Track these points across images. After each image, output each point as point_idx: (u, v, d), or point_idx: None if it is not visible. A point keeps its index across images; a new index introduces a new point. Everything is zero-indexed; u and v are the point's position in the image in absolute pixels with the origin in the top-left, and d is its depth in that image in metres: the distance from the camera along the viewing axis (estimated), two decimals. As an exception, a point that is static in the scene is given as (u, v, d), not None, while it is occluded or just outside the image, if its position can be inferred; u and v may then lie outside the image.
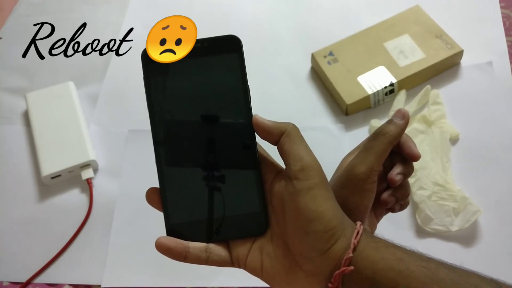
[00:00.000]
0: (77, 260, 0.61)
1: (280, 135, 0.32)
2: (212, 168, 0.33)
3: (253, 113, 0.33)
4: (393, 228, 0.58)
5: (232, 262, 0.32)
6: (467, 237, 0.57)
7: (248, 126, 0.33)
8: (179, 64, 0.33)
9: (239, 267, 0.32)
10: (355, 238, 0.30)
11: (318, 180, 0.31)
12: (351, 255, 0.29)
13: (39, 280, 0.59)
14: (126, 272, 0.59)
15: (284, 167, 0.33)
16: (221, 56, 0.33)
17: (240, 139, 0.33)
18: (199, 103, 0.33)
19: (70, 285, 0.59)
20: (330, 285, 0.30)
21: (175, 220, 0.33)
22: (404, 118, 0.36)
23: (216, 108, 0.33)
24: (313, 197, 0.30)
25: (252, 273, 0.32)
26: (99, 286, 0.58)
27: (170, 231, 0.32)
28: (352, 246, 0.30)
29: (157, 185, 0.33)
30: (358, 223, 0.32)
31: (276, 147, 0.34)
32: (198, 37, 0.33)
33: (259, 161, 0.33)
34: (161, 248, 0.31)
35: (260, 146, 0.34)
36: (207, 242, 0.32)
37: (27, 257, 0.61)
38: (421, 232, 0.59)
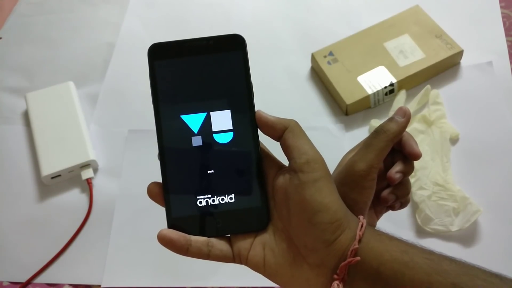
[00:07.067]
0: (77, 260, 0.61)
1: (283, 130, 0.33)
2: (214, 163, 0.33)
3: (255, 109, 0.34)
4: (393, 228, 0.58)
5: (233, 258, 0.32)
6: (467, 237, 0.57)
7: (251, 122, 0.34)
8: (185, 61, 0.34)
9: (241, 263, 0.32)
10: (360, 230, 0.30)
11: (323, 173, 0.31)
12: (357, 246, 0.30)
13: (39, 280, 0.59)
14: (126, 272, 0.59)
15: (285, 163, 0.34)
16: (226, 54, 0.34)
17: (243, 135, 0.33)
18: (203, 99, 0.34)
19: (70, 285, 0.59)
20: (335, 276, 0.30)
21: (177, 214, 0.33)
22: (405, 116, 0.36)
23: (219, 104, 0.34)
24: (319, 189, 0.30)
25: (254, 268, 0.32)
26: (99, 286, 0.58)
27: (172, 225, 0.33)
28: (357, 237, 0.30)
29: (157, 181, 0.34)
30: (361, 217, 0.32)
31: (275, 145, 0.34)
32: (202, 36, 0.34)
33: (261, 157, 0.34)
34: (164, 240, 0.31)
35: (262, 143, 0.35)
36: (208, 237, 0.32)
37: (27, 257, 0.61)
38: (421, 232, 0.59)
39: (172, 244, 0.31)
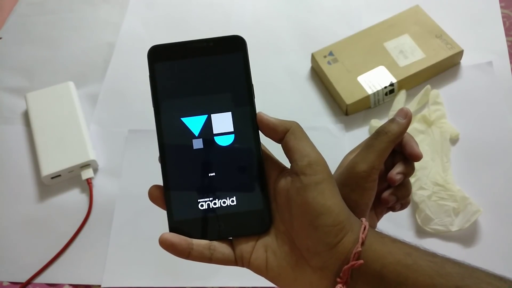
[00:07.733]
0: (77, 260, 0.61)
1: (285, 132, 0.33)
2: (215, 165, 0.33)
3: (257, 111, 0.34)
4: (393, 228, 0.58)
5: (235, 261, 0.32)
6: (467, 237, 0.57)
7: (252, 124, 0.33)
8: (185, 63, 0.34)
9: (243, 266, 0.32)
10: (363, 233, 0.30)
11: (326, 175, 0.31)
12: (360, 249, 0.30)
13: (39, 280, 0.59)
14: (126, 272, 0.59)
15: (287, 166, 0.34)
16: (226, 55, 0.34)
17: (244, 137, 0.33)
18: (204, 101, 0.33)
19: (70, 285, 0.59)
20: (338, 279, 0.30)
21: (178, 217, 0.33)
22: (407, 117, 0.36)
23: (220, 106, 0.33)
24: (321, 192, 0.30)
25: (256, 271, 0.32)
26: (99, 286, 0.58)
27: (173, 229, 0.32)
28: (360, 240, 0.30)
29: (158, 184, 0.34)
30: (363, 219, 0.32)
31: (275, 147, 0.34)
32: (203, 37, 0.34)
33: (263, 159, 0.34)
34: (165, 244, 0.31)
35: (263, 145, 0.34)
36: (210, 240, 0.32)
37: (27, 257, 0.61)
38: (421, 232, 0.59)
39: (173, 248, 0.31)
